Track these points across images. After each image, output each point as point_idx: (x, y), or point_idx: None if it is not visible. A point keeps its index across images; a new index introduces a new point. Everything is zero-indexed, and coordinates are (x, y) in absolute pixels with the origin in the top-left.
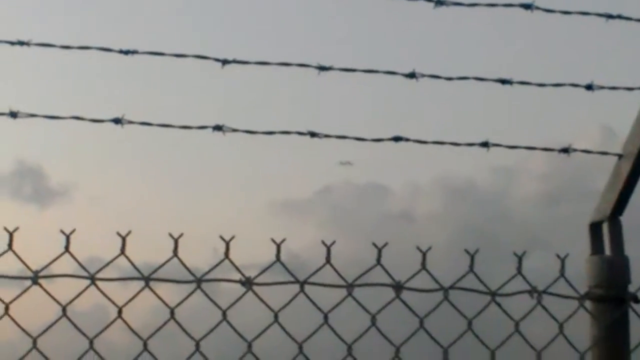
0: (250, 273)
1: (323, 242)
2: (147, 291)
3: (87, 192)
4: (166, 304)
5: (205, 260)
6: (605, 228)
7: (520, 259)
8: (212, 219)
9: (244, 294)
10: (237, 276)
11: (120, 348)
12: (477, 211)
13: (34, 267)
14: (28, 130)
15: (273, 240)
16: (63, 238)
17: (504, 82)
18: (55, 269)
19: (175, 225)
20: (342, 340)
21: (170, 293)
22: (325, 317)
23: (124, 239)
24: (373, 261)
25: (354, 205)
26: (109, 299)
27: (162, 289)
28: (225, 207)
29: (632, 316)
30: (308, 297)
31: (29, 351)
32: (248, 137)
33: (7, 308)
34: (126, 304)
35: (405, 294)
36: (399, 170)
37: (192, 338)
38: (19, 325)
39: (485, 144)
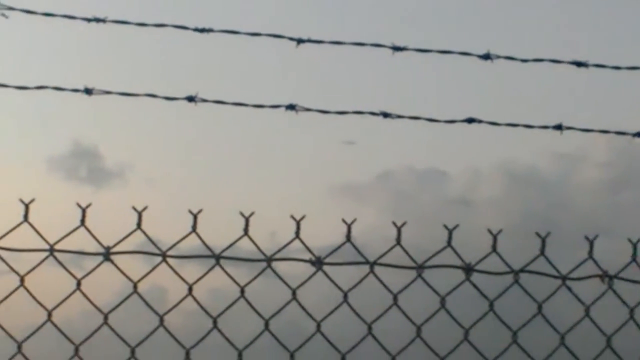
0: (307, 255)
1: (394, 223)
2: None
3: (143, 173)
4: (235, 282)
5: (261, 241)
6: None
7: (591, 243)
8: (272, 201)
9: (314, 274)
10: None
11: (188, 325)
12: (538, 197)
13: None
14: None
15: (344, 221)
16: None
17: (579, 64)
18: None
19: (233, 206)
20: (412, 321)
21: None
22: (395, 298)
23: (195, 217)
24: (432, 245)
25: (414, 189)
26: (180, 276)
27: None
28: (287, 189)
29: None
30: (378, 277)
31: (100, 326)
32: (320, 117)
33: (79, 284)
34: (196, 281)
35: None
36: (460, 156)
37: (261, 317)
38: (90, 302)
39: (558, 127)
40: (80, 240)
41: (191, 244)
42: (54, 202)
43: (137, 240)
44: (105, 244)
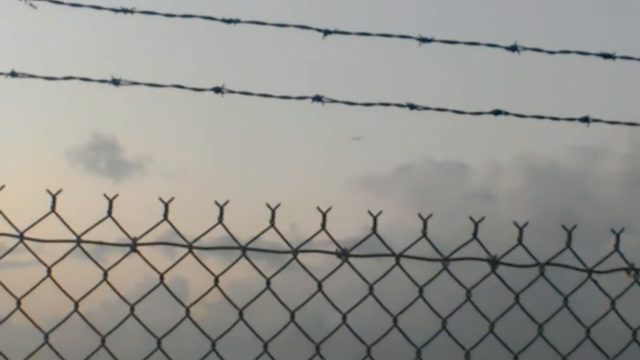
0: (330, 248)
1: (420, 216)
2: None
3: (163, 165)
4: (262, 274)
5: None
6: None
7: (617, 236)
8: (292, 193)
9: (339, 266)
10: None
11: (211, 318)
12: (558, 191)
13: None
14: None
15: (370, 213)
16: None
17: (606, 56)
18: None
19: (253, 198)
20: (437, 313)
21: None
22: (420, 291)
23: (221, 208)
24: (454, 238)
25: (434, 183)
26: (206, 267)
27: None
28: (306, 181)
29: None
30: (404, 269)
31: (127, 317)
32: (347, 108)
33: (105, 275)
34: (222, 273)
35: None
36: (480, 149)
37: (287, 308)
38: (117, 292)
39: (585, 119)
40: (102, 233)
41: (212, 236)
42: (74, 194)
43: (159, 232)
44: (125, 235)
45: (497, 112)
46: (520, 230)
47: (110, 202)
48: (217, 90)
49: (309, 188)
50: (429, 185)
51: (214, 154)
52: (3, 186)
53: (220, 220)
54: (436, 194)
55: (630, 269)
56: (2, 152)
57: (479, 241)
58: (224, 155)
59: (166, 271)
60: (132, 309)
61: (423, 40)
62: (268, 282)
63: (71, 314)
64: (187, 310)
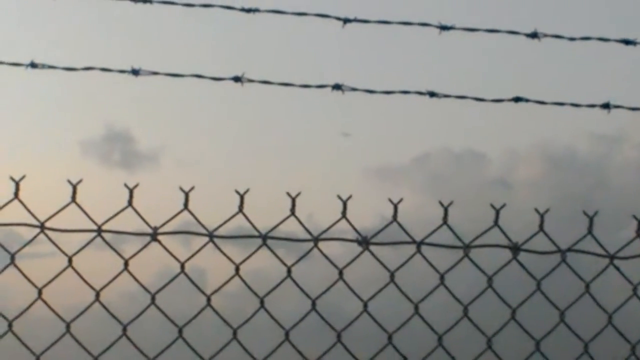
0: (348, 237)
1: (440, 203)
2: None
3: (177, 156)
4: (283, 262)
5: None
6: None
7: (639, 223)
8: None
9: (360, 254)
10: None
11: (230, 307)
12: (576, 179)
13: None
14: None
15: (390, 201)
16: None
17: (627, 42)
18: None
19: (272, 187)
20: (459, 301)
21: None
22: (442, 278)
23: (242, 197)
24: (473, 227)
25: (451, 171)
26: (227, 256)
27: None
28: (323, 170)
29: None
30: (425, 257)
31: (148, 307)
32: (366, 97)
33: (126, 264)
34: (243, 261)
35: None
36: (497, 137)
37: (308, 296)
38: (138, 281)
39: (606, 106)
40: (119, 224)
41: (229, 227)
42: (90, 185)
43: (176, 222)
44: (143, 226)
45: (517, 99)
46: (542, 216)
47: (131, 191)
48: (237, 79)
49: (325, 178)
50: (447, 174)
51: (233, 144)
52: (24, 176)
53: (240, 209)
54: (454, 182)
55: None
56: (21, 143)
57: (500, 228)
58: (242, 144)
59: (187, 260)
60: (153, 298)
61: (443, 28)
62: (289, 271)
63: (92, 303)
64: (209, 299)
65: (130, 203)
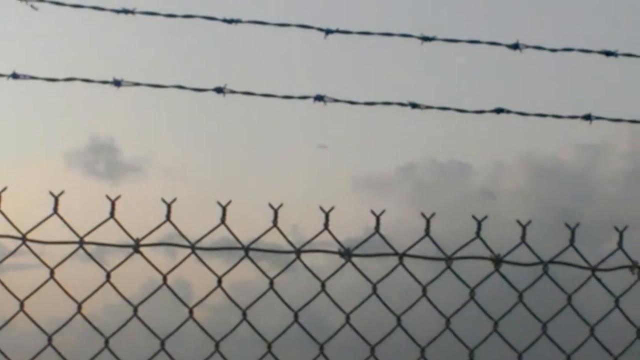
0: (332, 249)
1: (422, 214)
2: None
3: (161, 167)
4: (265, 274)
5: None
6: None
7: (621, 234)
8: (292, 194)
9: (342, 265)
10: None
11: (213, 319)
12: (560, 189)
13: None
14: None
15: (373, 212)
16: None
17: (608, 53)
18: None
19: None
20: (441, 313)
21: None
22: (424, 290)
23: (224, 209)
24: (456, 238)
25: (436, 182)
26: (209, 268)
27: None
28: (308, 182)
29: None
30: (407, 269)
31: (130, 319)
32: (348, 108)
33: (108, 276)
34: (226, 273)
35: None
36: (482, 148)
37: (290, 308)
38: (120, 293)
39: (587, 117)
40: (103, 235)
41: (213, 238)
42: (74, 196)
43: (160, 234)
44: (126, 238)
45: (499, 111)
46: (524, 228)
47: (113, 203)
48: (219, 90)
49: (310, 189)
50: (432, 185)
51: (215, 155)
52: (5, 188)
53: (222, 220)
54: (439, 193)
55: (634, 266)
56: (2, 154)
57: (482, 240)
58: (225, 156)
59: (169, 272)
60: (135, 310)
61: (425, 39)
62: (271, 282)
63: (74, 315)
64: (191, 311)
65: (112, 215)
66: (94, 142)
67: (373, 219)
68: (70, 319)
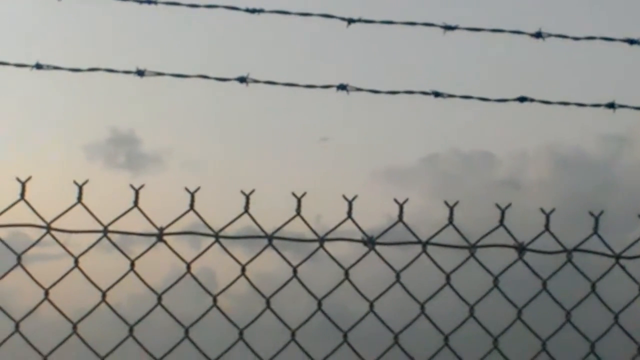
0: (356, 237)
1: (446, 203)
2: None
3: (182, 156)
4: (289, 262)
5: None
6: None
7: None
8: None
9: (366, 254)
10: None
11: (236, 308)
12: (584, 179)
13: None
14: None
15: (396, 201)
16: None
17: (632, 42)
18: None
19: (277, 188)
20: (465, 301)
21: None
22: (447, 278)
23: (247, 197)
24: (480, 227)
25: (460, 172)
26: (232, 256)
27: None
28: (330, 172)
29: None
30: (431, 257)
31: (154, 307)
32: (371, 97)
33: (132, 265)
34: (249, 261)
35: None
36: (506, 138)
37: (314, 296)
38: (144, 282)
39: (611, 105)
40: (126, 225)
41: (235, 227)
42: (96, 187)
43: (183, 223)
44: (150, 227)
45: (522, 99)
46: (547, 216)
47: (137, 192)
48: (242, 80)
49: (332, 179)
50: (455, 175)
51: (238, 144)
52: (30, 177)
53: (246, 209)
54: (462, 183)
55: None
56: (26, 144)
57: (505, 228)
58: (248, 145)
59: (193, 260)
60: (159, 298)
61: (447, 27)
62: (295, 271)
63: (99, 304)
64: (215, 300)
65: (136, 204)
66: (114, 133)
67: (395, 209)
68: (95, 307)
